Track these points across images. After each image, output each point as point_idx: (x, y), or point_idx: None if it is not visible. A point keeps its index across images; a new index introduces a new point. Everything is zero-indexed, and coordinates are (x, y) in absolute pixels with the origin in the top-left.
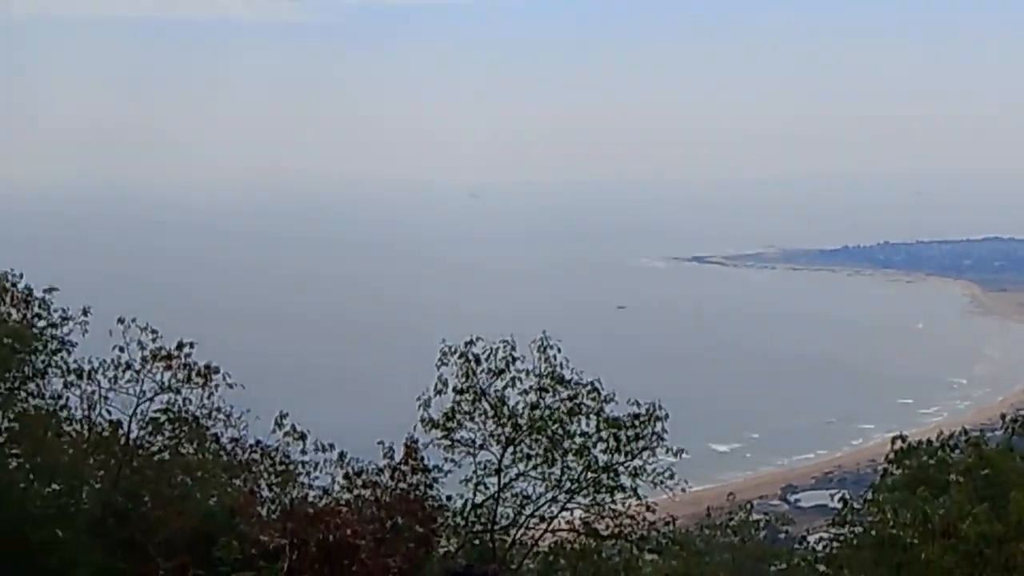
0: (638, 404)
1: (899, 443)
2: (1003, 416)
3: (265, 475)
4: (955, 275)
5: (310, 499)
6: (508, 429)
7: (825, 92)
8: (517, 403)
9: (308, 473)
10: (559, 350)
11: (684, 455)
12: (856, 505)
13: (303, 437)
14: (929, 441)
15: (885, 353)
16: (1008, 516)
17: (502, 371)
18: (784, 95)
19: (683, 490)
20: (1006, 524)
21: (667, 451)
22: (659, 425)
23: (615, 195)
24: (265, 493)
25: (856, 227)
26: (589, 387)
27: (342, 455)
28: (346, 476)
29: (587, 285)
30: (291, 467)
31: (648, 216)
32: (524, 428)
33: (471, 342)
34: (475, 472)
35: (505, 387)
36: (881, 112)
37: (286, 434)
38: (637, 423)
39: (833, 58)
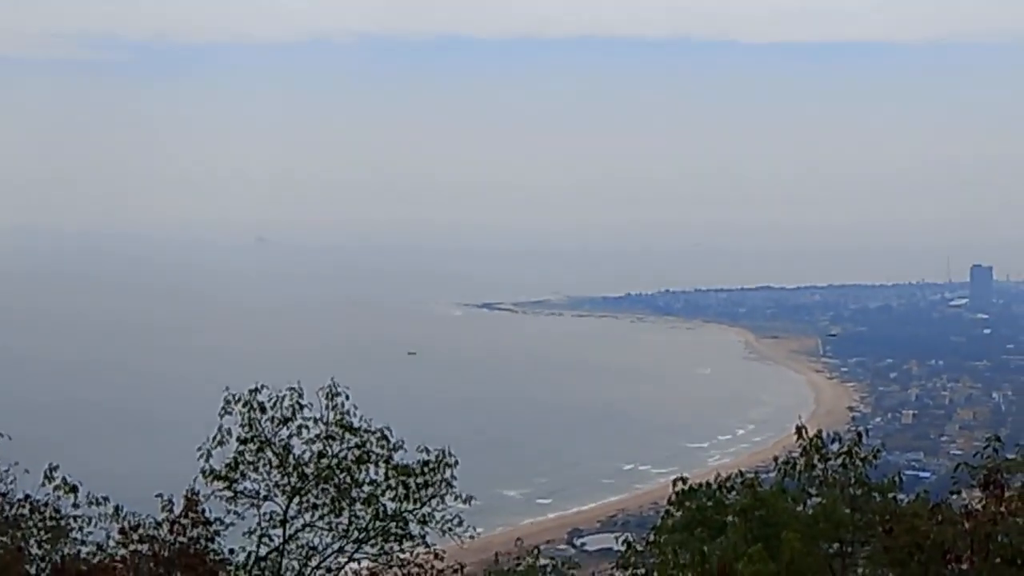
0: (427, 451)
1: (680, 485)
2: (775, 458)
3: (34, 531)
4: (731, 322)
5: (83, 555)
6: (294, 479)
7: (596, 152)
8: (304, 452)
9: (81, 528)
10: (347, 397)
11: (474, 501)
12: (639, 547)
13: (74, 489)
14: (708, 483)
15: (668, 397)
16: (781, 555)
17: (288, 419)
18: (570, 153)
19: (471, 537)
20: (779, 563)
21: (456, 498)
22: (448, 472)
23: (407, 242)
24: (34, 551)
25: (638, 276)
26: (378, 434)
27: (118, 508)
28: (122, 531)
29: (378, 330)
30: (62, 522)
31: (439, 262)
32: (311, 478)
33: (256, 390)
34: (259, 524)
35: (291, 436)
36: (648, 171)
37: (56, 487)
38: (426, 470)
39: (613, 121)
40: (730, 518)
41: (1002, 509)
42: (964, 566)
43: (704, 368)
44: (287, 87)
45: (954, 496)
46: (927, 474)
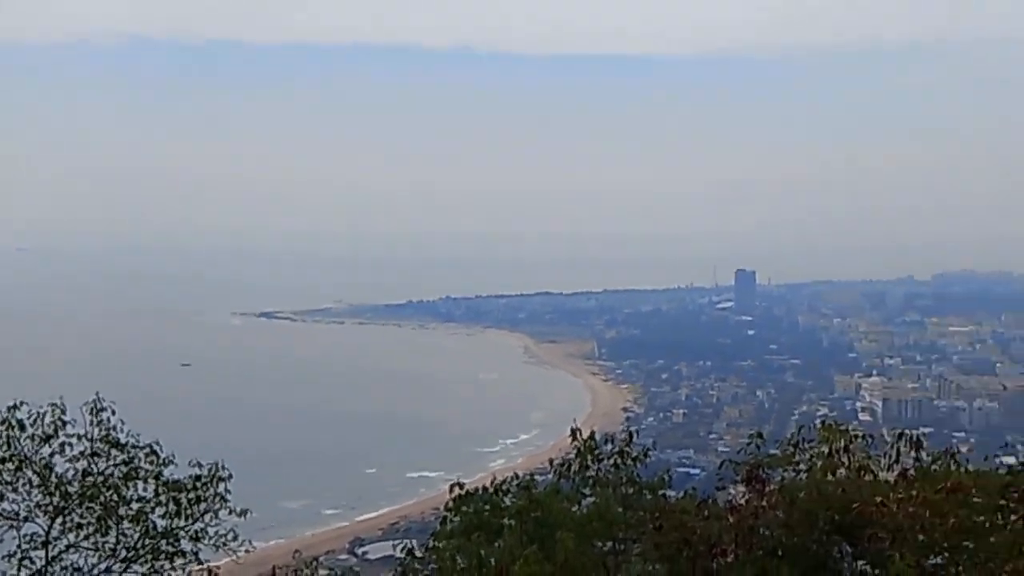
0: (200, 465)
1: (456, 490)
2: (551, 460)
3: None
4: (511, 327)
5: None
6: (57, 498)
7: (389, 158)
8: (68, 470)
9: None
10: (114, 412)
11: (251, 515)
12: (418, 553)
13: None
14: (484, 487)
15: (450, 402)
16: (556, 556)
17: (50, 437)
18: (348, 157)
19: (247, 551)
20: (554, 564)
21: (232, 512)
22: (222, 486)
23: (181, 251)
24: None
25: (420, 283)
26: (147, 450)
27: None
28: None
29: (149, 341)
30: None
31: (213, 271)
32: (75, 496)
33: (14, 407)
34: (19, 546)
35: (53, 454)
36: (437, 179)
37: None
38: (198, 485)
39: (390, 131)
40: (507, 521)
41: (763, 503)
42: (729, 559)
43: (486, 373)
44: (48, 88)
45: (720, 492)
46: (697, 471)
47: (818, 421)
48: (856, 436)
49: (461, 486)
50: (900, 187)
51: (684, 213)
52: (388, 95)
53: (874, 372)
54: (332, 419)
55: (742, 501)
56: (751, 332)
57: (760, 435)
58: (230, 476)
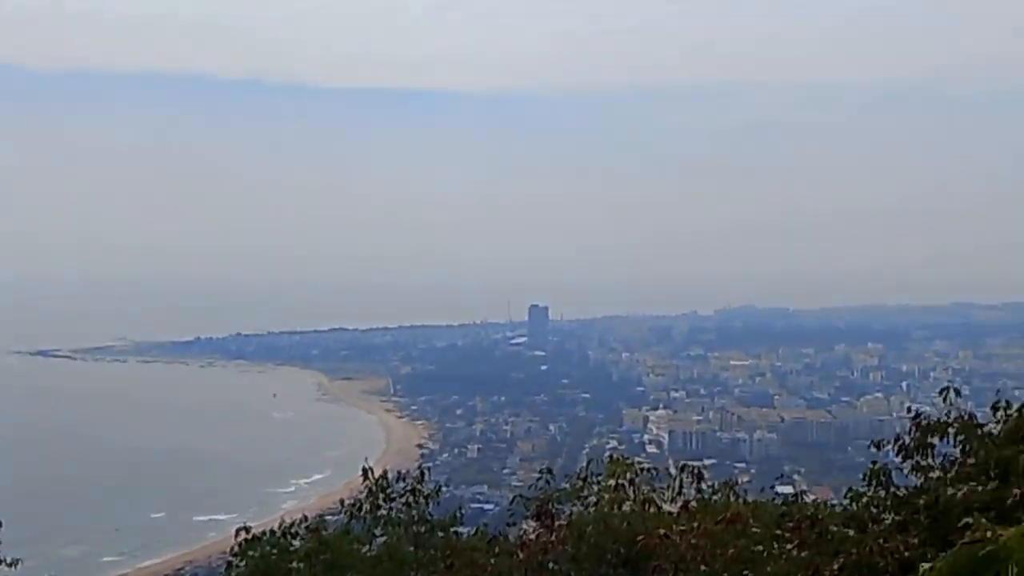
0: None
1: (243, 534)
2: (341, 501)
3: None
4: (304, 364)
5: None
6: None
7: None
8: None
9: None
10: None
11: (22, 564)
12: None
13: None
14: (272, 530)
15: (241, 442)
16: None
17: None
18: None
19: None
20: None
21: (1, 562)
22: None
23: None
24: None
25: (209, 321)
26: None
27: None
28: None
29: None
30: None
31: None
32: None
33: None
34: None
35: None
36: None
37: None
38: None
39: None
40: (295, 564)
41: (553, 538)
42: None
43: (279, 411)
44: None
45: (511, 527)
46: (491, 506)
47: (607, 454)
48: (642, 469)
49: (247, 530)
50: (684, 223)
51: (477, 249)
52: (176, 124)
53: (661, 405)
54: (114, 460)
55: (532, 536)
56: (544, 367)
57: (550, 470)
58: (0, 524)
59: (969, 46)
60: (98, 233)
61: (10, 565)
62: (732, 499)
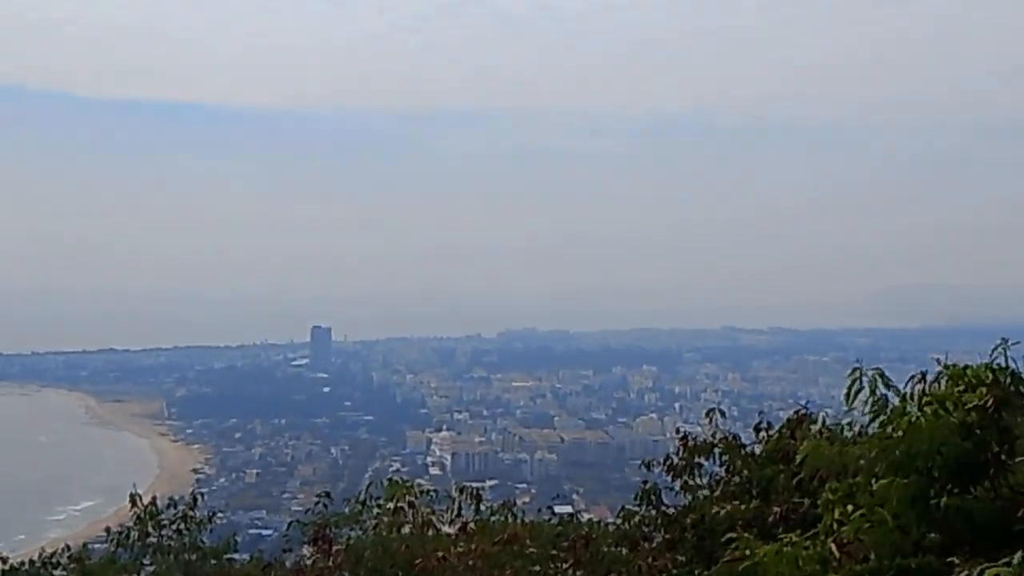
0: None
1: (0, 565)
2: (107, 529)
3: None
4: (71, 386)
5: None
6: None
7: None
8: None
9: None
10: None
11: None
12: None
13: None
14: (32, 560)
15: (5, 467)
16: None
17: None
18: None
19: None
20: None
21: None
22: None
23: None
24: None
25: None
26: None
27: None
28: None
29: None
30: None
31: None
32: None
33: None
34: None
35: None
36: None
37: None
38: None
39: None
40: None
41: (330, 563)
42: None
43: (43, 435)
44: None
45: (288, 553)
46: (269, 532)
47: (388, 477)
48: (422, 491)
49: (4, 560)
50: (466, 248)
51: (256, 268)
52: None
53: (444, 427)
54: None
55: (309, 562)
56: (327, 389)
57: (327, 494)
58: None
59: (735, 82)
60: None
61: None
62: (510, 520)
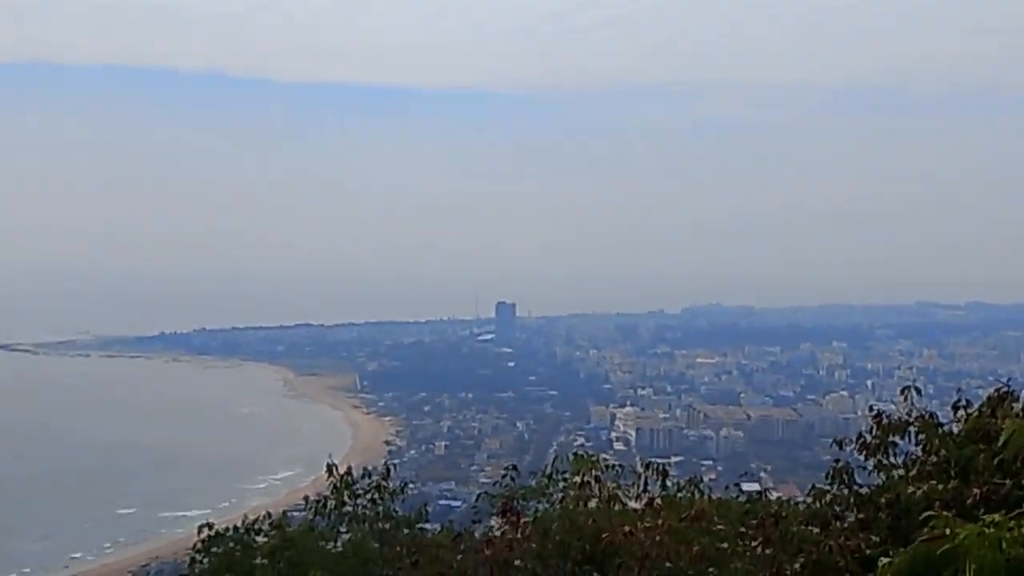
0: None
1: (206, 531)
2: (306, 498)
3: None
4: (270, 360)
5: None
6: None
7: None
8: None
9: None
10: None
11: None
12: None
13: None
14: (235, 527)
15: (209, 438)
16: None
17: None
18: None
19: None
20: None
21: None
22: None
23: None
24: None
25: (173, 315)
26: None
27: None
28: None
29: None
30: None
31: None
32: None
33: None
34: None
35: None
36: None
37: None
38: None
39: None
40: (259, 560)
41: (518, 535)
42: None
43: (245, 407)
44: None
45: (477, 525)
46: (458, 503)
47: (573, 451)
48: (608, 466)
49: (210, 526)
50: (650, 224)
51: (444, 245)
52: (138, 117)
53: (628, 402)
54: (82, 456)
55: (498, 534)
56: (511, 364)
57: (515, 467)
58: None
59: (928, 46)
60: (54, 224)
61: None
62: (697, 496)
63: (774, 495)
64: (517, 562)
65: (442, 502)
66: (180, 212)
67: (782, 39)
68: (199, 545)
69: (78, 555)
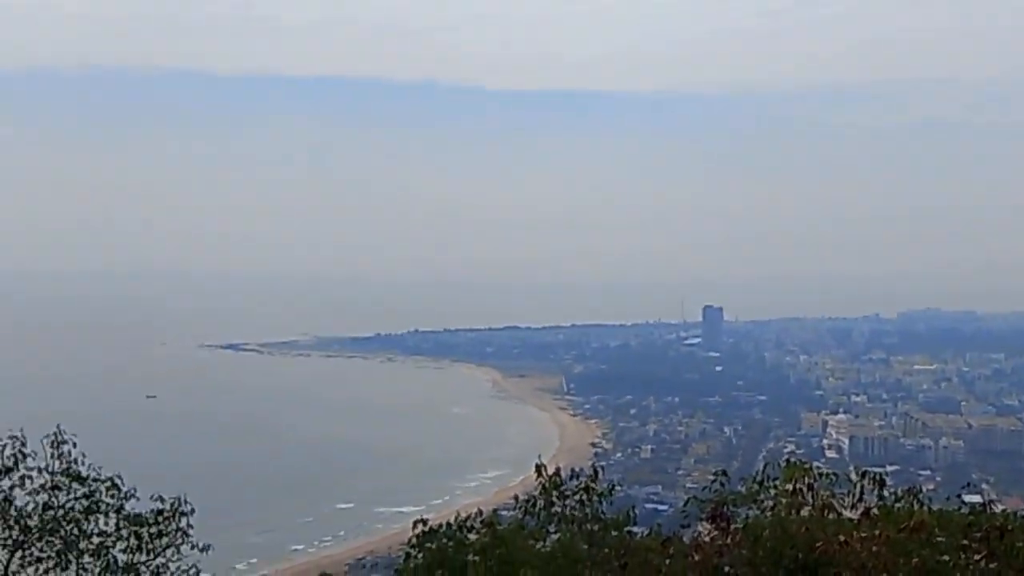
0: (162, 499)
1: (420, 526)
2: (515, 497)
3: None
4: (479, 361)
5: None
6: (16, 532)
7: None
8: (27, 503)
9: None
10: (75, 444)
11: (213, 550)
12: None
13: None
14: (448, 523)
15: (420, 436)
16: None
17: (10, 469)
18: (304, 196)
19: None
20: None
21: (193, 547)
22: (184, 520)
23: (138, 283)
24: None
25: (387, 317)
26: (108, 483)
27: None
28: None
29: (112, 375)
30: None
31: (174, 304)
32: (35, 530)
33: None
34: None
35: (13, 487)
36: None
37: None
38: (160, 519)
39: (356, 163)
40: (471, 557)
41: (728, 541)
42: None
43: (455, 407)
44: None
45: (685, 529)
46: (665, 507)
47: (784, 458)
48: (821, 474)
49: (424, 522)
50: (863, 226)
51: (649, 249)
52: (354, 127)
53: (840, 409)
54: (303, 451)
55: (707, 539)
56: (719, 368)
57: (724, 473)
58: (192, 511)
59: None
60: (266, 232)
61: (202, 550)
62: (916, 507)
63: (998, 508)
64: (727, 568)
65: (648, 505)
66: (391, 222)
67: (997, 37)
68: (413, 540)
69: (300, 547)
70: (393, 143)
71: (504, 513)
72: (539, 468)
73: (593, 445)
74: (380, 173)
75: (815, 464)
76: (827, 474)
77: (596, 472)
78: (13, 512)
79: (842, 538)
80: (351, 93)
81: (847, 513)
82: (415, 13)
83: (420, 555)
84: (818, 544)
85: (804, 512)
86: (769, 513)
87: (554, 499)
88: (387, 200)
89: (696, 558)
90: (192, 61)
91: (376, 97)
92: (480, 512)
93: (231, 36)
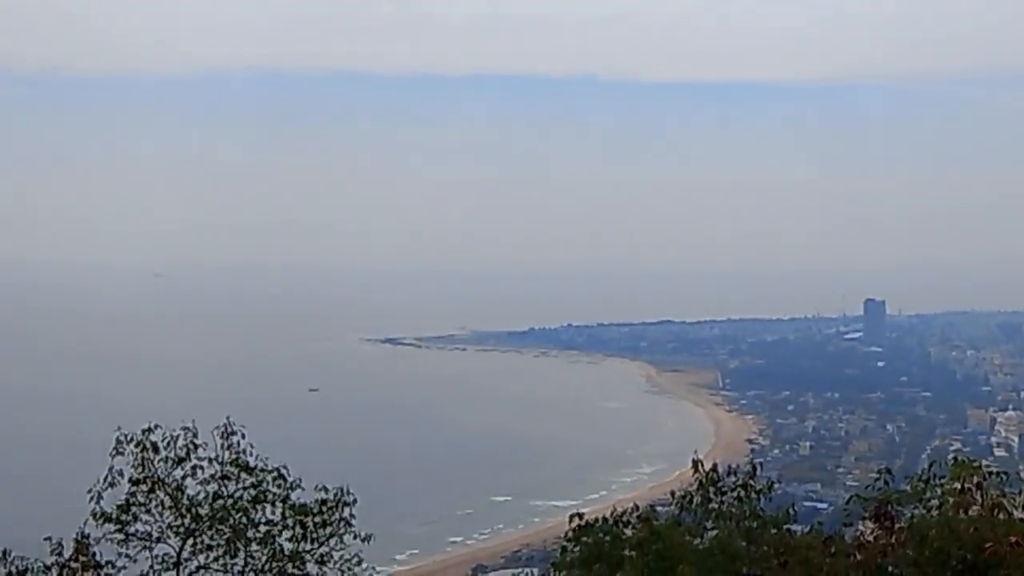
0: (326, 489)
1: (576, 520)
2: (672, 492)
3: None
4: (632, 356)
5: None
6: (188, 520)
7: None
8: (198, 493)
9: None
10: (243, 436)
11: (374, 540)
12: None
13: None
14: (604, 518)
15: (575, 431)
16: None
17: (182, 459)
18: (465, 190)
19: (371, 575)
20: None
21: (356, 536)
22: (347, 510)
23: (301, 278)
24: None
25: (541, 311)
26: (274, 473)
27: (5, 552)
28: (9, 575)
29: (277, 368)
30: None
31: (336, 299)
32: (205, 518)
33: (149, 430)
34: (152, 567)
35: (185, 476)
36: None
37: None
38: (324, 509)
39: (511, 159)
40: (627, 552)
41: (892, 541)
42: None
43: (609, 402)
44: (179, 123)
45: (847, 528)
46: (824, 505)
47: (950, 456)
48: (989, 473)
49: (580, 516)
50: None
51: (808, 242)
52: (512, 123)
53: (1010, 406)
54: (460, 445)
55: (870, 538)
56: (880, 363)
57: (888, 470)
58: (355, 501)
59: None
60: (424, 228)
61: (364, 540)
62: None
63: None
64: (891, 568)
65: (807, 503)
66: (548, 214)
67: None
68: (569, 534)
69: (457, 539)
70: (550, 137)
71: (660, 508)
72: (696, 463)
73: (750, 441)
74: (533, 167)
75: (983, 462)
76: (996, 473)
77: (755, 468)
78: (185, 501)
79: (1013, 539)
80: (507, 89)
81: (1018, 513)
82: (566, 9)
83: (576, 549)
84: (988, 545)
85: (972, 512)
86: (936, 512)
87: (711, 495)
88: (539, 193)
89: (859, 557)
90: (350, 62)
91: (532, 92)
92: (636, 507)
93: (389, 36)
